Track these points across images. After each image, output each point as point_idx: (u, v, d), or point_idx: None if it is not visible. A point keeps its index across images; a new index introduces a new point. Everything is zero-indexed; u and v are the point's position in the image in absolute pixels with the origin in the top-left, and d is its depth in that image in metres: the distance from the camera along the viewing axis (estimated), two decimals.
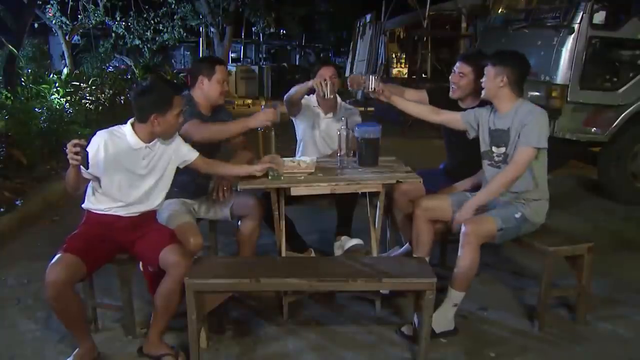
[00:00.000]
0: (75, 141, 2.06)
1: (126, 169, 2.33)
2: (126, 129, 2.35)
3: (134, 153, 2.34)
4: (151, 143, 2.37)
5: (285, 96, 3.26)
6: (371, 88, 2.89)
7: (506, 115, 2.64)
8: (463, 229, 2.54)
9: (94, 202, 2.37)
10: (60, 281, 2.11)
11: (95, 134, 2.34)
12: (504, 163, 2.67)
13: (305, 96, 3.33)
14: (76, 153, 2.05)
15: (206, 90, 2.83)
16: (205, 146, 2.69)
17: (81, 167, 2.13)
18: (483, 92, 2.68)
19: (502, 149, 2.67)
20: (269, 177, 2.66)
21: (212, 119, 2.86)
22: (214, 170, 2.70)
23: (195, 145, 2.59)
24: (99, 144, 2.27)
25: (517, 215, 2.61)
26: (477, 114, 2.80)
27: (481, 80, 2.69)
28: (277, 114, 2.77)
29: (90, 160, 2.15)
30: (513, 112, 2.62)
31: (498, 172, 2.68)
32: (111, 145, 2.29)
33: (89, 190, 2.38)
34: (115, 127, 2.37)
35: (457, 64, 3.03)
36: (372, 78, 2.91)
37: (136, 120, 2.35)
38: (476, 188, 2.87)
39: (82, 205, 2.42)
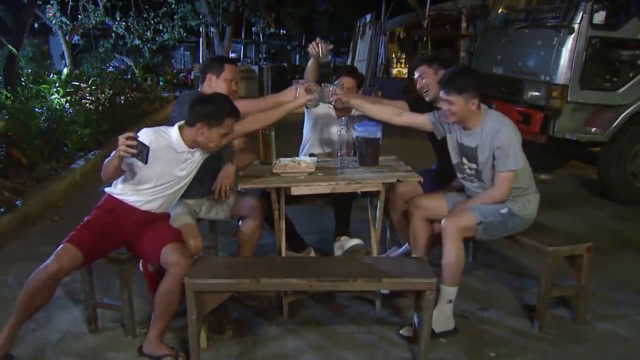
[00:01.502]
0: (130, 134, 2.16)
1: (165, 168, 2.39)
2: (173, 131, 2.41)
3: (177, 155, 2.40)
4: (193, 149, 2.44)
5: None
6: (328, 99, 2.89)
7: (473, 132, 2.62)
8: (442, 223, 2.58)
9: (120, 190, 2.41)
10: (60, 274, 2.17)
11: (140, 130, 2.38)
12: (477, 179, 2.69)
13: None
14: (130, 146, 2.13)
15: (214, 88, 2.82)
16: None
17: (133, 158, 2.19)
18: (452, 117, 2.60)
19: (474, 165, 2.68)
20: (309, 106, 2.87)
21: None
22: (264, 122, 2.75)
23: None
24: (145, 140, 2.30)
25: (504, 211, 2.63)
26: (440, 119, 2.78)
27: (445, 109, 2.59)
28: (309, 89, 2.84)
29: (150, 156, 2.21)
30: (479, 128, 2.60)
31: (472, 186, 2.73)
32: (156, 143, 2.33)
33: (121, 179, 2.41)
34: (162, 128, 2.44)
35: (415, 72, 3.11)
36: (327, 88, 2.88)
37: (186, 123, 2.41)
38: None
39: (105, 189, 2.45)
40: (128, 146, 2.14)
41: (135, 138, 2.16)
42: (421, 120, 2.86)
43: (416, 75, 3.11)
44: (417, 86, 3.11)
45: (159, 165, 2.36)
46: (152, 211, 2.44)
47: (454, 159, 2.78)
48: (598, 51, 4.66)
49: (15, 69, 7.45)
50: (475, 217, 2.59)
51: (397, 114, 2.92)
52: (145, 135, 2.34)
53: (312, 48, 2.97)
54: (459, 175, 2.80)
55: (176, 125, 2.43)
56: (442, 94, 2.59)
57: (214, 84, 2.83)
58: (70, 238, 2.26)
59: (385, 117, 2.92)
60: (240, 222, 2.86)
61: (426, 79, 3.05)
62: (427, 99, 3.08)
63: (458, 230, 2.55)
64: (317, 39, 3.01)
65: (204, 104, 2.41)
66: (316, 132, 3.41)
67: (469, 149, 2.66)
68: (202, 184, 2.84)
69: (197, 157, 2.48)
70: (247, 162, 2.92)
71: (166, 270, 2.31)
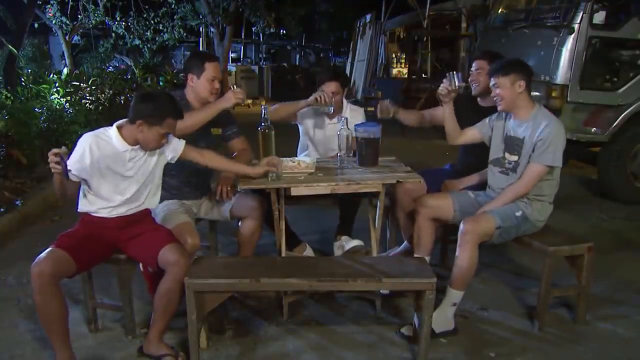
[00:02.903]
0: (56, 150, 2.09)
1: (113, 171, 2.33)
2: (112, 132, 2.34)
3: (120, 156, 2.33)
4: (136, 146, 2.36)
5: (272, 111, 3.02)
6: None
7: (523, 123, 2.63)
8: (461, 227, 2.55)
9: (85, 204, 2.38)
10: (46, 273, 2.10)
11: (81, 136, 2.34)
12: (513, 172, 2.68)
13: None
14: (57, 162, 2.08)
15: (195, 88, 2.75)
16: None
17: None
18: (501, 104, 2.62)
19: (515, 157, 2.67)
20: (269, 179, 2.64)
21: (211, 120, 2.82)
22: (211, 163, 2.64)
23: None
24: (85, 148, 2.26)
25: (518, 214, 2.61)
26: (490, 121, 2.81)
27: (495, 95, 2.64)
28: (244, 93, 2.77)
29: (74, 164, 2.20)
30: (531, 120, 2.60)
31: (507, 180, 2.70)
32: (97, 148, 2.27)
33: (81, 194, 2.38)
34: (101, 130, 2.36)
35: (474, 64, 3.11)
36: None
37: (127, 120, 2.34)
38: (480, 185, 2.88)
39: (77, 210, 2.42)
40: (56, 162, 2.09)
41: (59, 154, 2.09)
42: (474, 134, 2.90)
43: (474, 66, 3.10)
44: (469, 78, 3.11)
45: (106, 170, 2.30)
46: (128, 215, 2.40)
47: (496, 154, 2.76)
48: (598, 51, 4.67)
49: (15, 69, 7.44)
50: (495, 221, 2.57)
51: (459, 135, 2.93)
52: (85, 141, 2.28)
53: (317, 99, 2.97)
54: (497, 169, 2.76)
55: (114, 125, 2.36)
56: (491, 82, 2.65)
57: (196, 85, 2.74)
58: (54, 244, 2.23)
59: (454, 136, 2.94)
60: (240, 222, 2.85)
61: (481, 75, 3.06)
62: (473, 92, 3.12)
63: (478, 235, 2.53)
64: (324, 94, 2.99)
65: (144, 102, 2.31)
66: (311, 137, 3.38)
67: (516, 140, 2.65)
68: (194, 187, 2.82)
69: (142, 155, 2.38)
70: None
71: (165, 270, 2.30)
